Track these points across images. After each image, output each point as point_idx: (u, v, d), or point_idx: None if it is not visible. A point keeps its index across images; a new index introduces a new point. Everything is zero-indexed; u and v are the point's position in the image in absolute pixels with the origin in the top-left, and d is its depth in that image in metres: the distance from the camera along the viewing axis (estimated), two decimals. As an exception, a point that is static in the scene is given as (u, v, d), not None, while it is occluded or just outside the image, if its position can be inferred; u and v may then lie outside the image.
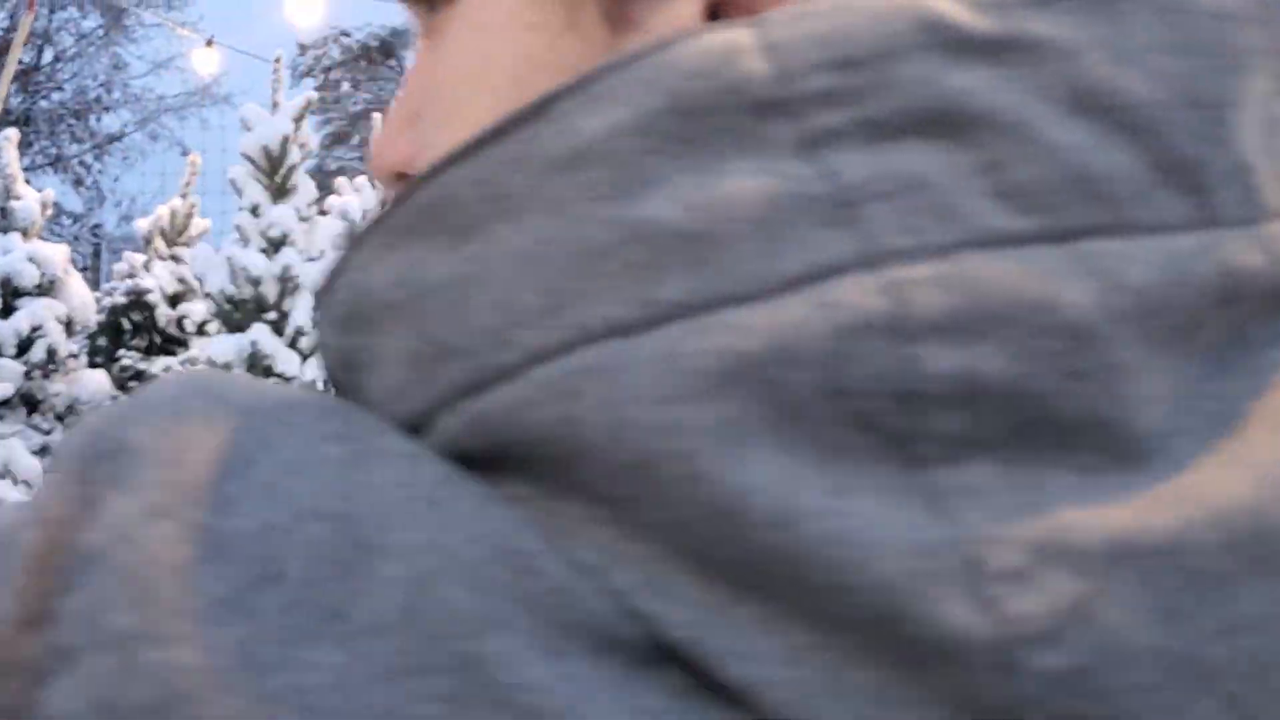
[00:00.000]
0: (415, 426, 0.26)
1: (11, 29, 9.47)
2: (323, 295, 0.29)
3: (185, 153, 7.74)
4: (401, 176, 0.36)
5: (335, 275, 0.28)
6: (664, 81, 0.25)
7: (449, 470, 0.24)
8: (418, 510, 0.23)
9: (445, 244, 0.26)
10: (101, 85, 19.44)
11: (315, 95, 4.91)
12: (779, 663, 0.21)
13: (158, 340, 6.82)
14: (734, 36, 0.25)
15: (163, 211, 7.33)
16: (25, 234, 6.16)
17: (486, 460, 0.24)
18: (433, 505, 0.23)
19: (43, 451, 5.27)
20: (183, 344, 6.73)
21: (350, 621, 0.22)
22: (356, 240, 0.28)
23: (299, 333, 4.22)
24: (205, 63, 10.81)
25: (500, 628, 0.22)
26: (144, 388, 0.27)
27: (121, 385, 6.40)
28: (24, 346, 5.62)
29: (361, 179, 6.10)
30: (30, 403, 5.56)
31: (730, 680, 0.21)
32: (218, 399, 0.26)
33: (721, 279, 0.23)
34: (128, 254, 7.13)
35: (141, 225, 7.31)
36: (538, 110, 0.26)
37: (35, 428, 5.50)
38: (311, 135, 4.69)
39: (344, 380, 0.28)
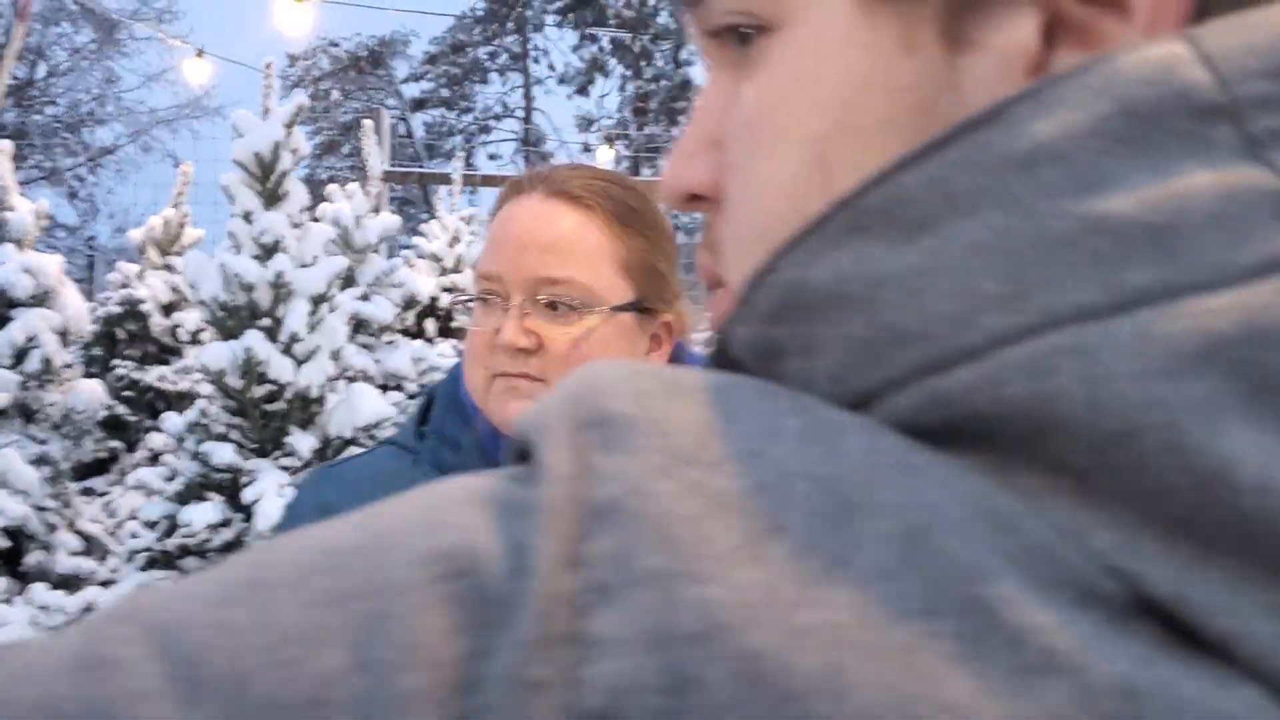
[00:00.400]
0: (854, 405, 0.29)
1: (4, 45, 9.48)
2: (748, 291, 0.32)
3: (177, 164, 7.74)
4: (696, 198, 0.38)
5: (766, 272, 0.31)
6: (1113, 89, 0.27)
7: (907, 440, 0.27)
8: (894, 474, 0.26)
9: (897, 239, 0.28)
10: (94, 99, 19.43)
11: (306, 101, 4.93)
12: (1259, 617, 0.23)
13: (152, 349, 6.83)
14: (1171, 49, 0.28)
15: (155, 222, 7.34)
16: (19, 245, 6.18)
17: (935, 434, 0.27)
18: (907, 469, 0.26)
19: (39, 461, 5.28)
20: (177, 352, 6.74)
21: (854, 568, 0.24)
22: (792, 240, 0.31)
23: (293, 338, 4.23)
24: (196, 74, 10.82)
25: (998, 576, 0.24)
26: (583, 370, 0.31)
27: (117, 395, 6.41)
28: (19, 357, 5.63)
29: (353, 186, 6.12)
30: (26, 413, 5.57)
31: (1211, 633, 0.23)
32: (668, 380, 0.29)
33: (1186, 267, 0.25)
34: (121, 264, 7.13)
35: (134, 236, 7.33)
36: (989, 116, 0.28)
37: (31, 437, 5.50)
38: (303, 142, 4.71)
39: (757, 366, 0.32)
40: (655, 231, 1.08)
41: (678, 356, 1.12)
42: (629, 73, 23.44)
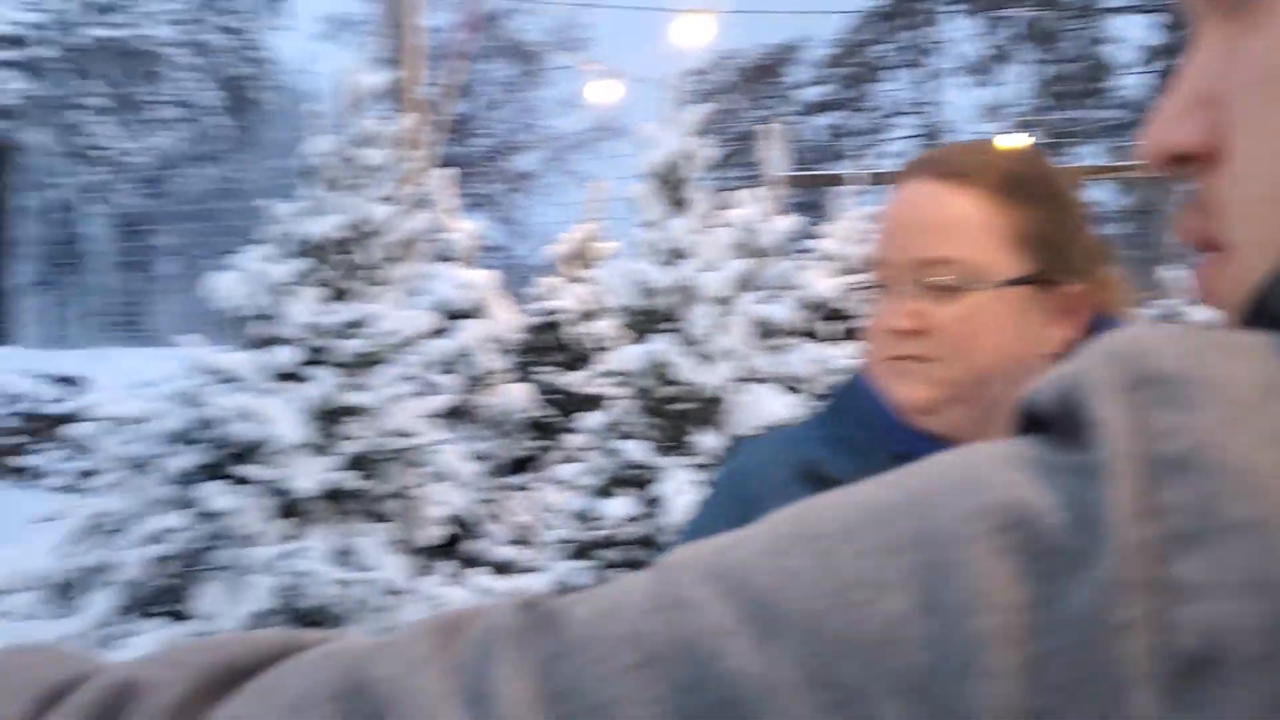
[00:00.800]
0: None
1: (441, 86, 10.59)
2: None
3: (589, 184, 8.27)
4: (1182, 160, 0.37)
5: None
6: None
7: None
8: None
9: None
10: (517, 129, 21.33)
11: (708, 111, 5.06)
12: None
13: (568, 356, 7.33)
14: None
15: (571, 237, 7.88)
16: (458, 263, 6.85)
17: None
18: None
19: (476, 458, 5.80)
20: (588, 359, 7.19)
21: None
22: None
23: (697, 340, 4.36)
24: (603, 95, 11.54)
25: None
26: (1118, 335, 0.32)
27: (540, 398, 6.93)
28: (459, 364, 6.24)
29: (754, 191, 6.23)
30: (464, 414, 6.15)
31: None
32: (1214, 340, 0.30)
33: None
34: (541, 278, 7.72)
35: (552, 251, 7.90)
36: None
37: (469, 436, 6.07)
38: (705, 151, 4.84)
39: None
40: (1051, 199, 1.03)
41: (1097, 330, 1.02)
42: (1039, 57, 22.24)
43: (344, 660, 0.32)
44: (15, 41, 16.77)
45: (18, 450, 10.10)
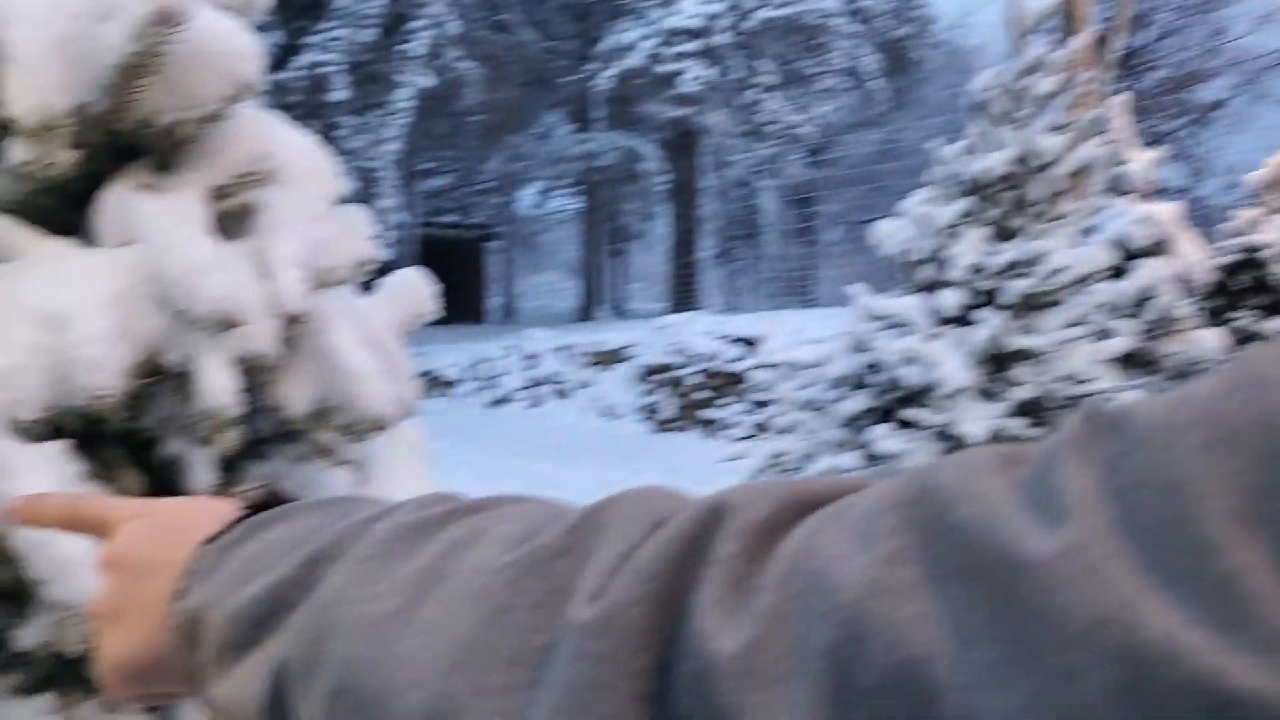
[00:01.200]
0: None
1: (1112, 21, 9.76)
2: None
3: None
4: None
5: None
6: None
7: None
8: None
9: None
10: (1200, 56, 19.12)
11: None
12: None
13: (1272, 299, 6.33)
14: None
15: (1275, 162, 6.80)
16: (1134, 196, 6.21)
17: None
18: None
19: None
20: (1302, 302, 6.14)
21: None
22: None
23: None
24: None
25: None
26: None
27: (1236, 346, 6.07)
28: (1137, 306, 5.65)
29: None
30: (1147, 362, 5.56)
31: None
32: None
33: None
34: (1239, 212, 6.77)
35: (1253, 179, 6.88)
36: None
37: (1153, 386, 5.47)
38: None
39: None
40: None
41: None
42: None
43: (909, 476, 0.34)
44: (698, 33, 18.56)
45: (706, 404, 11.18)
